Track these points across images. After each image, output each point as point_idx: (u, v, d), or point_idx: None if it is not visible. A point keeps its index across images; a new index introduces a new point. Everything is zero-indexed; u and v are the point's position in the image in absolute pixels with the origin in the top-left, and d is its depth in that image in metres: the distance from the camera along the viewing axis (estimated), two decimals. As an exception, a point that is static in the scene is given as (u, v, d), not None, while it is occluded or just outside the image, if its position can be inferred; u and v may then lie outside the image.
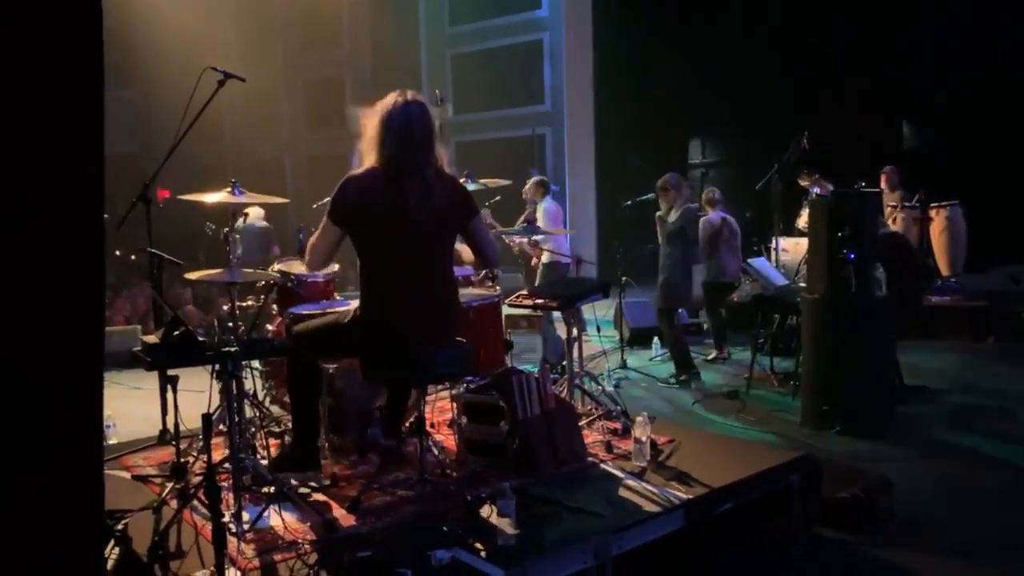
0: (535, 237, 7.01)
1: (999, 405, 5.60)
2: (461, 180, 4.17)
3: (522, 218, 8.44)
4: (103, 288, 1.98)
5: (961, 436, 4.93)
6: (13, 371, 1.75)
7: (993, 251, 8.87)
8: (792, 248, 7.68)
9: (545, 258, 7.33)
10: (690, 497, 3.20)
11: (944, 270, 8.84)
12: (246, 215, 3.84)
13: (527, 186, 8.00)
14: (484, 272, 4.23)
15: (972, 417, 5.32)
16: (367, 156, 3.18)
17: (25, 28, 1.71)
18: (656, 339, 7.38)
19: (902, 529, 3.60)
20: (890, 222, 8.50)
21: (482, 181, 4.63)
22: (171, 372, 3.71)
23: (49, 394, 1.80)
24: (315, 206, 5.33)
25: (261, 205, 3.70)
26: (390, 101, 3.15)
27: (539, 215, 7.83)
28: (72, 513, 1.85)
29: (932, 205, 8.81)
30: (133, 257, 7.03)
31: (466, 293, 4.01)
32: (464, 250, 3.62)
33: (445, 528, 2.86)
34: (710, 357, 7.23)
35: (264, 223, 9.02)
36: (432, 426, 4.10)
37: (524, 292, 4.49)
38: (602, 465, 3.64)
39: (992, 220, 8.88)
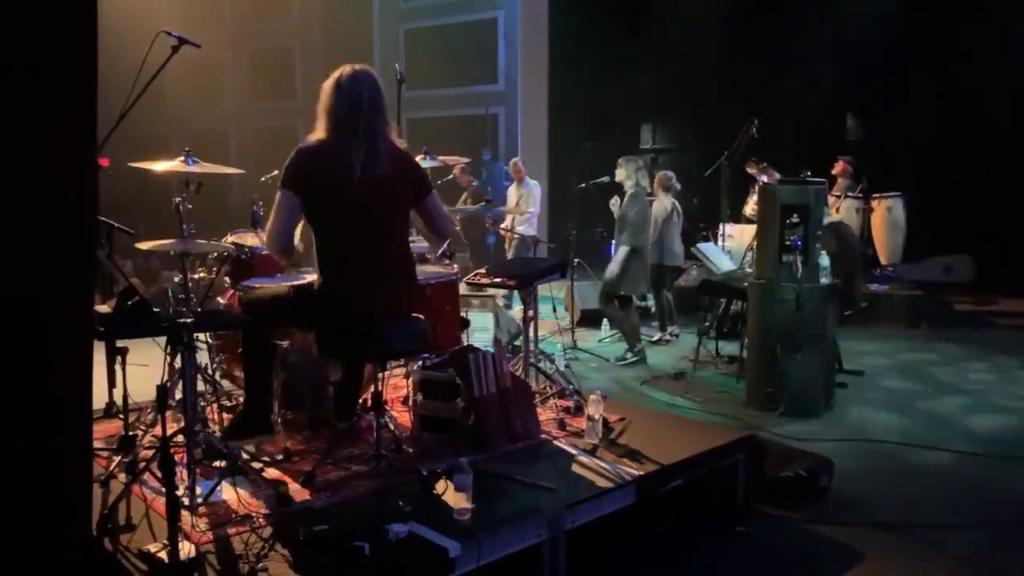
0: (527, 213, 7.40)
1: (931, 390, 5.84)
2: (419, 157, 4.15)
3: (464, 198, 8.68)
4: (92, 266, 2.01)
5: (896, 418, 5.14)
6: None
7: (930, 242, 9.19)
8: (738, 234, 7.82)
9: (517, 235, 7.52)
10: (641, 473, 3.28)
11: (883, 259, 9.14)
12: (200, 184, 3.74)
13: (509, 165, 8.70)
14: (441, 250, 4.23)
15: (906, 400, 5.55)
16: (319, 123, 3.17)
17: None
18: (605, 320, 7.46)
19: (840, 507, 3.74)
20: (833, 211, 8.74)
21: (441, 158, 4.60)
22: (120, 343, 3.63)
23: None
24: (263, 179, 5.24)
25: (213, 176, 3.64)
26: (340, 70, 3.22)
27: (534, 193, 8.49)
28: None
29: (874, 196, 9.09)
30: None
31: (424, 270, 4.00)
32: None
33: (401, 502, 2.87)
34: (655, 339, 7.36)
35: None
36: (386, 403, 4.09)
37: (482, 271, 4.49)
38: (555, 442, 3.69)
39: (930, 212, 9.18)
